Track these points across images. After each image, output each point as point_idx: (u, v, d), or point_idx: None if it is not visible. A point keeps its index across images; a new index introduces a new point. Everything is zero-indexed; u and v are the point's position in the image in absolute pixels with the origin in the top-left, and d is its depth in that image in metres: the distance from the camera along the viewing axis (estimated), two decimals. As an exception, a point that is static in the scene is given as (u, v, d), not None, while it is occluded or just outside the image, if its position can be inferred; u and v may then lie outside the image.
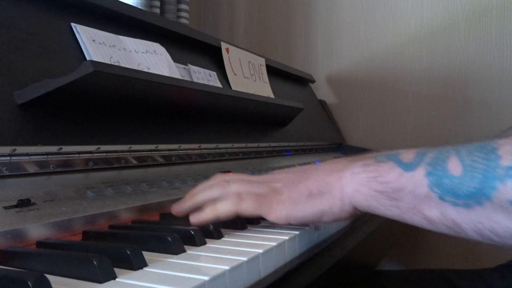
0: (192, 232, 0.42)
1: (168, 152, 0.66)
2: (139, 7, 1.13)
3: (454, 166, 0.36)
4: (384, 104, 1.42)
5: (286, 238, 0.44)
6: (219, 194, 0.48)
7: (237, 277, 0.35)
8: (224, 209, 0.46)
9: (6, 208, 0.40)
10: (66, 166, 0.50)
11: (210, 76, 0.87)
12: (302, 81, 1.40)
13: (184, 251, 0.39)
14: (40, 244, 0.40)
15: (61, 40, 0.59)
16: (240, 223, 0.49)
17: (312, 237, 0.51)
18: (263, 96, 0.93)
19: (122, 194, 0.52)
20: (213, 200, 0.48)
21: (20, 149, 0.45)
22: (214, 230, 0.45)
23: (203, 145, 0.73)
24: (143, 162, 0.61)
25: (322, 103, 1.46)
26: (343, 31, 1.48)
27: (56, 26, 0.59)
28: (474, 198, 0.35)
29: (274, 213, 0.46)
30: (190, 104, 0.72)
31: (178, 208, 0.50)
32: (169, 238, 0.39)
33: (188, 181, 0.63)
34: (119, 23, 0.70)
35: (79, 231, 0.44)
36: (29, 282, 0.27)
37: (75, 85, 0.49)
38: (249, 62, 1.04)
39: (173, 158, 0.67)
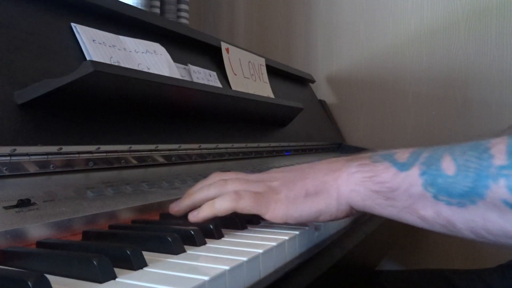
0: (192, 232, 0.42)
1: (168, 152, 0.66)
2: (139, 7, 1.13)
3: (448, 166, 0.36)
4: (384, 104, 1.42)
5: (286, 238, 0.44)
6: (217, 193, 0.48)
7: (237, 277, 0.35)
8: (222, 206, 0.46)
9: (6, 208, 0.40)
10: (66, 166, 0.50)
11: (210, 76, 0.87)
12: (302, 81, 1.40)
13: (184, 251, 0.39)
14: (40, 244, 0.40)
15: (61, 40, 0.59)
16: (240, 223, 0.49)
17: (312, 237, 0.51)
18: (263, 96, 0.93)
19: (122, 194, 0.52)
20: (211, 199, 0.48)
21: (20, 149, 0.45)
22: (214, 230, 0.45)
23: (203, 145, 0.73)
24: (143, 162, 0.61)
25: (322, 103, 1.46)
26: (343, 31, 1.48)
27: (56, 26, 0.59)
28: (467, 197, 0.35)
29: (272, 212, 0.46)
30: (190, 104, 0.72)
31: (176, 208, 0.51)
32: (169, 238, 0.39)
33: (188, 181, 0.63)
34: (119, 23, 0.70)
35: (79, 231, 0.44)
36: (29, 282, 0.27)
37: (75, 85, 0.49)
38: (249, 62, 1.04)
39: (173, 158, 0.67)
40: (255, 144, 0.90)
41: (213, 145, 0.76)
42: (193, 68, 0.83)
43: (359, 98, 1.46)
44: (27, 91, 0.48)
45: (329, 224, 0.55)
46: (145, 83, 0.56)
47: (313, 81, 1.47)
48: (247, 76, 1.01)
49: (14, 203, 0.41)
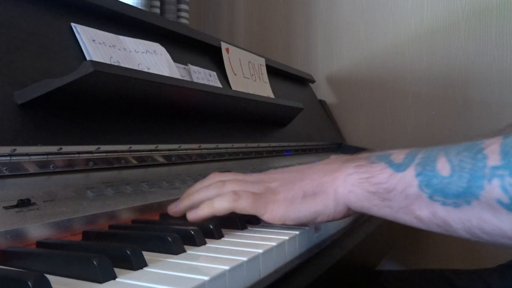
0: (192, 232, 0.42)
1: (168, 152, 0.66)
2: (139, 7, 1.13)
3: (443, 166, 0.37)
4: (384, 104, 1.42)
5: (286, 238, 0.44)
6: (215, 194, 0.48)
7: (237, 277, 0.35)
8: (221, 206, 0.47)
9: (6, 208, 0.40)
10: (66, 166, 0.50)
11: (210, 76, 0.87)
12: (302, 81, 1.40)
13: (184, 251, 0.39)
14: (40, 244, 0.40)
15: (61, 40, 0.59)
16: (240, 223, 0.49)
17: (312, 237, 0.51)
18: (263, 96, 0.93)
19: (122, 194, 0.52)
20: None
21: (20, 149, 0.45)
22: (214, 230, 0.45)
23: (203, 145, 0.73)
24: (143, 162, 0.61)
25: (322, 103, 1.46)
26: (343, 31, 1.48)
27: (56, 26, 0.59)
28: (462, 197, 0.36)
29: (270, 213, 0.46)
30: (190, 104, 0.72)
31: (174, 208, 0.51)
32: (169, 238, 0.39)
33: (188, 181, 0.63)
34: (119, 23, 0.70)
35: (79, 231, 0.44)
36: (29, 282, 0.27)
37: (75, 85, 0.49)
38: (249, 62, 1.04)
39: (173, 158, 0.67)
40: (255, 144, 0.90)
41: (213, 145, 0.76)
42: (193, 68, 0.83)
43: (359, 98, 1.46)
44: (27, 91, 0.48)
45: (329, 224, 0.55)
46: (145, 83, 0.56)
47: (313, 81, 1.47)
48: (247, 76, 1.01)
49: (14, 203, 0.41)
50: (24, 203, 0.42)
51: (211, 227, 0.45)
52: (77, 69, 0.48)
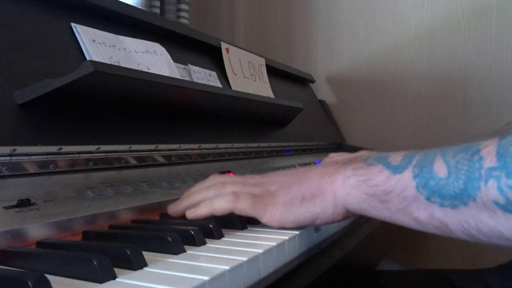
0: (192, 232, 0.42)
1: (168, 152, 0.66)
2: (139, 7, 1.13)
3: (440, 168, 0.37)
4: (384, 104, 1.42)
5: (286, 238, 0.44)
6: (215, 195, 0.48)
7: (237, 277, 0.35)
8: (220, 205, 0.47)
9: (6, 208, 0.40)
10: (66, 166, 0.50)
11: (210, 76, 0.87)
12: (302, 81, 1.40)
13: (184, 251, 0.39)
14: (40, 244, 0.40)
15: (61, 40, 0.59)
16: (240, 223, 0.49)
17: (312, 237, 0.51)
18: (263, 96, 0.93)
19: (122, 194, 0.52)
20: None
21: (20, 149, 0.45)
22: (214, 230, 0.45)
23: (203, 145, 0.73)
24: (143, 162, 0.61)
25: (322, 103, 1.46)
26: (343, 31, 1.48)
27: (56, 26, 0.59)
28: (459, 198, 0.36)
29: (268, 216, 0.47)
30: (190, 104, 0.72)
31: (174, 209, 0.51)
32: (169, 238, 0.39)
33: (188, 181, 0.63)
34: (119, 23, 0.70)
35: (79, 231, 0.44)
36: (29, 282, 0.27)
37: (75, 85, 0.49)
38: (249, 62, 1.04)
39: (173, 158, 0.67)
40: (255, 144, 0.90)
41: (213, 145, 0.76)
42: (193, 68, 0.83)
43: (359, 98, 1.46)
44: (27, 91, 0.48)
45: (329, 224, 0.55)
46: (145, 83, 0.56)
47: (313, 81, 1.47)
48: (247, 76, 1.01)
49: (14, 203, 0.41)
50: (24, 203, 0.42)
51: (211, 226, 0.45)
52: (77, 69, 0.48)
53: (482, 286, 0.74)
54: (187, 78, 0.80)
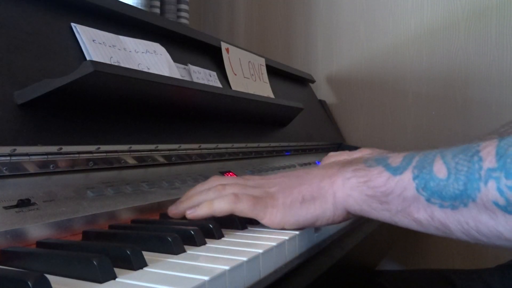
0: (192, 232, 0.42)
1: (168, 152, 0.66)
2: (139, 7, 1.13)
3: (440, 169, 0.37)
4: (384, 104, 1.42)
5: (286, 238, 0.44)
6: (216, 197, 0.48)
7: (237, 277, 0.35)
8: (220, 206, 0.47)
9: (6, 208, 0.40)
10: (66, 166, 0.50)
11: (210, 76, 0.87)
12: (302, 81, 1.40)
13: (184, 251, 0.39)
14: (40, 244, 0.40)
15: (61, 40, 0.59)
16: (240, 223, 0.49)
17: (312, 237, 0.51)
18: (263, 96, 0.93)
19: (122, 194, 0.52)
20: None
21: (20, 149, 0.45)
22: (214, 230, 0.45)
23: (203, 145, 0.73)
24: (143, 162, 0.61)
25: (322, 103, 1.46)
26: (343, 31, 1.48)
27: (56, 26, 0.59)
28: (459, 199, 0.36)
29: (269, 218, 0.47)
30: (190, 104, 0.72)
31: (174, 210, 0.51)
32: (169, 238, 0.39)
33: (188, 181, 0.63)
34: (119, 23, 0.70)
35: (79, 231, 0.44)
36: (29, 282, 0.27)
37: (75, 85, 0.49)
38: (249, 62, 1.04)
39: (173, 158, 0.67)
40: (255, 144, 0.90)
41: (213, 145, 0.76)
42: (193, 68, 0.83)
43: (359, 98, 1.46)
44: (27, 91, 0.48)
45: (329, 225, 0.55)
46: (145, 83, 0.56)
47: (313, 81, 1.47)
48: (247, 76, 1.01)
49: (14, 203, 0.41)
50: (24, 203, 0.42)
51: (211, 226, 0.45)
52: (77, 69, 0.48)
53: (482, 286, 0.74)
54: (187, 78, 0.80)
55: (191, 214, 0.48)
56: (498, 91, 1.25)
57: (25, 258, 0.36)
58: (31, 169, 0.46)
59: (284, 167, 0.93)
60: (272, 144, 0.97)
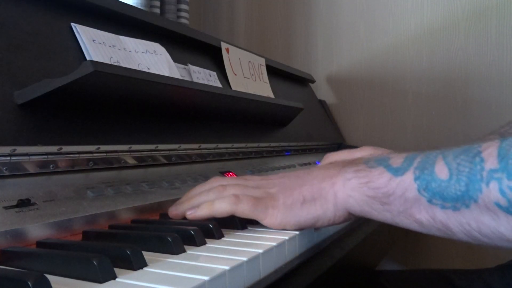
0: (192, 232, 0.42)
1: (168, 152, 0.66)
2: (139, 7, 1.13)
3: (441, 170, 0.37)
4: (384, 104, 1.42)
5: (286, 238, 0.44)
6: (216, 198, 0.48)
7: (237, 277, 0.35)
8: (221, 207, 0.47)
9: (6, 208, 0.40)
10: (66, 166, 0.50)
11: (210, 76, 0.87)
12: (302, 81, 1.40)
13: (184, 251, 0.39)
14: (40, 244, 0.40)
15: (61, 40, 0.59)
16: (240, 223, 0.49)
17: (312, 237, 0.51)
18: (263, 96, 0.93)
19: (122, 194, 0.52)
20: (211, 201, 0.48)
21: (20, 149, 0.45)
22: (214, 230, 0.45)
23: (203, 145, 0.73)
24: (143, 162, 0.61)
25: (322, 103, 1.46)
26: (343, 31, 1.48)
27: (56, 26, 0.59)
28: (461, 200, 0.36)
29: (269, 218, 0.47)
30: (190, 104, 0.72)
31: (175, 212, 0.51)
32: (169, 238, 0.39)
33: (188, 181, 0.63)
34: (119, 23, 0.70)
35: (79, 231, 0.44)
36: (29, 282, 0.27)
37: (75, 85, 0.49)
38: (249, 62, 1.04)
39: (173, 158, 0.67)
40: (255, 144, 0.90)
41: (213, 145, 0.76)
42: (193, 68, 0.83)
43: (359, 98, 1.46)
44: (27, 91, 0.48)
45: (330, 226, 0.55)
46: (145, 83, 0.56)
47: (313, 81, 1.47)
48: (247, 76, 1.01)
49: (14, 203, 0.41)
50: (24, 203, 0.42)
51: (211, 226, 0.45)
52: (77, 69, 0.48)
53: (482, 286, 0.74)
54: (187, 78, 0.80)
55: (191, 214, 0.48)
56: (498, 91, 1.25)
57: (25, 258, 0.36)
58: (31, 169, 0.46)
59: (284, 167, 0.93)
60: (272, 144, 0.97)
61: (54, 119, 0.51)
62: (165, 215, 0.54)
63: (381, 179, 0.41)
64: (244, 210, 0.46)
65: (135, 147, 0.59)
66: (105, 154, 0.55)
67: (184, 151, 0.69)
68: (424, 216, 0.39)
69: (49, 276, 0.29)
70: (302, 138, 1.14)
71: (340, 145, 1.37)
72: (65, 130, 0.51)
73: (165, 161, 0.65)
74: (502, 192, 0.33)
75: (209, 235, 0.44)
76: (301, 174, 0.50)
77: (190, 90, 0.65)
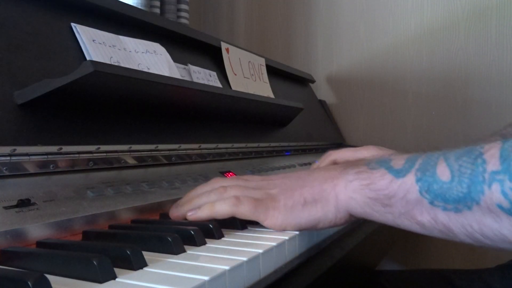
0: (192, 232, 0.42)
1: (168, 152, 0.66)
2: (139, 7, 1.13)
3: (443, 171, 0.37)
4: (384, 104, 1.42)
5: (286, 238, 0.44)
6: (217, 200, 0.48)
7: (237, 277, 0.35)
8: (221, 209, 0.47)
9: (6, 208, 0.40)
10: (66, 166, 0.50)
11: (210, 76, 0.87)
12: (302, 81, 1.40)
13: (184, 251, 0.39)
14: (40, 244, 0.40)
15: (61, 40, 0.59)
16: (240, 223, 0.49)
17: (312, 237, 0.51)
18: (263, 96, 0.93)
19: (122, 194, 0.52)
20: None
21: (20, 149, 0.45)
22: (214, 230, 0.45)
23: (203, 145, 0.73)
24: (143, 162, 0.61)
25: (322, 103, 1.46)
26: (343, 31, 1.48)
27: (56, 26, 0.59)
28: (463, 202, 0.36)
29: (270, 220, 0.47)
30: (190, 104, 0.72)
31: (176, 213, 0.51)
32: (169, 238, 0.39)
33: (188, 181, 0.63)
34: (119, 23, 0.70)
35: (79, 231, 0.44)
36: (29, 282, 0.27)
37: (75, 85, 0.49)
38: (249, 62, 1.04)
39: (173, 158, 0.67)
40: (255, 144, 0.90)
41: (213, 145, 0.76)
42: (193, 68, 0.83)
43: (359, 98, 1.46)
44: (27, 91, 0.48)
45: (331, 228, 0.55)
46: (145, 83, 0.56)
47: (313, 81, 1.47)
48: (247, 76, 1.01)
49: (14, 203, 0.41)
50: (24, 203, 0.42)
51: (211, 226, 0.45)
52: (77, 69, 0.48)
53: (482, 286, 0.74)
54: (187, 78, 0.80)
55: (192, 216, 0.48)
56: (498, 91, 1.25)
57: (25, 258, 0.36)
58: (31, 169, 0.46)
59: (284, 167, 0.93)
60: (272, 144, 0.97)
61: (54, 119, 0.51)
62: (165, 215, 0.54)
63: (382, 181, 0.41)
64: (244, 211, 0.46)
65: (135, 147, 0.59)
66: (105, 154, 0.55)
67: (184, 151, 0.69)
68: (425, 218, 0.39)
69: (49, 276, 0.29)
70: (302, 138, 1.14)
71: (340, 145, 1.37)
72: (65, 130, 0.51)
73: (165, 161, 0.65)
74: (504, 194, 0.33)
75: (209, 235, 0.44)
76: (302, 175, 0.50)
77: (190, 90, 0.65)
